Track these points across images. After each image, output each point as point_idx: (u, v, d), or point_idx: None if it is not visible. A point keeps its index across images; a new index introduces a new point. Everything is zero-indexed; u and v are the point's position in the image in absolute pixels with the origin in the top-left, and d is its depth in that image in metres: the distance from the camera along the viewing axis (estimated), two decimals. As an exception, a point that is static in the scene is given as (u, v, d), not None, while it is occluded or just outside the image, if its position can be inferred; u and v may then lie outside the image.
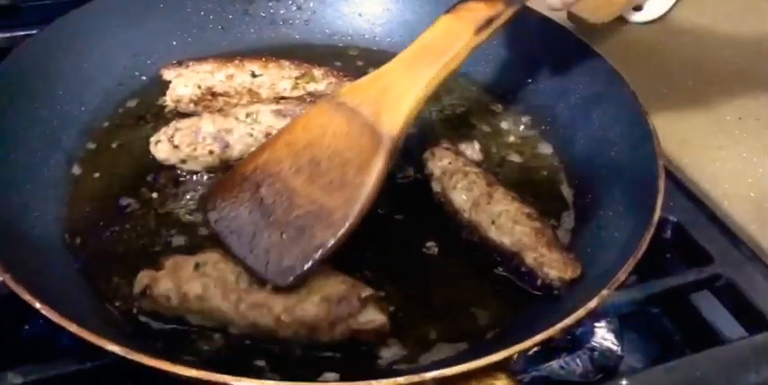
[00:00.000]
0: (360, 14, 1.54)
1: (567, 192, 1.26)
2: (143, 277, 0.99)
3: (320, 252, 0.95)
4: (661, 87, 1.67)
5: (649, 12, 1.86)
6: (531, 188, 1.25)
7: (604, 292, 0.93)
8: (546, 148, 1.34)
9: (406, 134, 1.04)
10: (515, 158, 1.32)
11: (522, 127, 1.38)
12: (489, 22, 1.06)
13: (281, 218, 0.99)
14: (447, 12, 1.08)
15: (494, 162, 1.31)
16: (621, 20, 1.84)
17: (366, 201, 0.97)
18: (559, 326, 0.89)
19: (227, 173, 1.10)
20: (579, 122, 1.32)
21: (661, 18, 1.88)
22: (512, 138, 1.36)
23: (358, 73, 1.40)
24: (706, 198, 1.36)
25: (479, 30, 1.05)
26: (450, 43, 1.05)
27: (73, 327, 0.83)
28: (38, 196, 1.12)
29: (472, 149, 1.29)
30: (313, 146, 1.03)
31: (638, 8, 1.85)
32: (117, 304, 1.02)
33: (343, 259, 1.02)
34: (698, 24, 1.88)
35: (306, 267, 0.95)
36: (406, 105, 1.02)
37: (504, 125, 1.38)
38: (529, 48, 1.43)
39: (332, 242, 0.96)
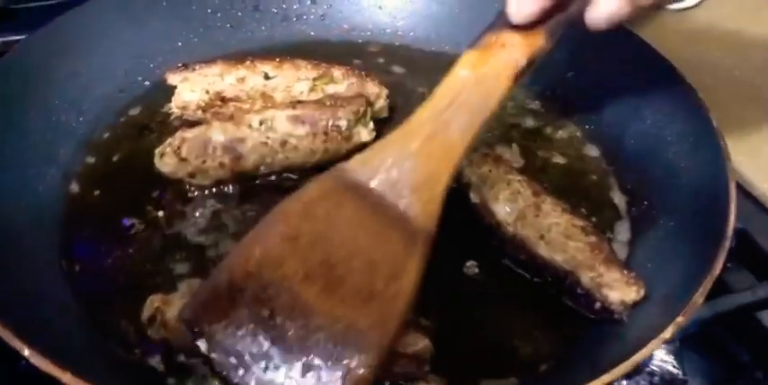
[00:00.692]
0: (380, 7, 1.42)
1: (618, 198, 1.14)
2: (153, 300, 0.89)
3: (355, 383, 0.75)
4: (705, 78, 1.53)
5: (687, -3, 1.73)
6: (578, 195, 1.13)
7: (679, 320, 0.81)
8: (592, 150, 1.21)
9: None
10: (559, 161, 1.19)
11: (563, 126, 1.25)
12: (530, 64, 0.83)
13: (298, 343, 0.76)
14: (472, 46, 0.84)
15: (535, 166, 1.18)
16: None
17: (404, 315, 0.78)
18: (632, 361, 0.77)
19: (207, 282, 0.82)
20: (628, 120, 1.19)
21: (700, 4, 1.74)
22: (553, 140, 1.23)
23: (380, 71, 1.30)
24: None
25: (518, 76, 0.82)
26: (485, 97, 0.82)
27: (67, 377, 0.72)
28: (31, 217, 1.00)
29: (510, 153, 1.17)
30: (323, 242, 0.80)
31: (675, -6, 1.71)
32: (121, 341, 0.90)
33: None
34: (740, 10, 1.74)
35: None
36: (440, 186, 0.81)
37: (544, 125, 1.26)
38: (566, 38, 1.29)
39: (369, 370, 0.75)
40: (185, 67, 1.16)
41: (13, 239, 0.95)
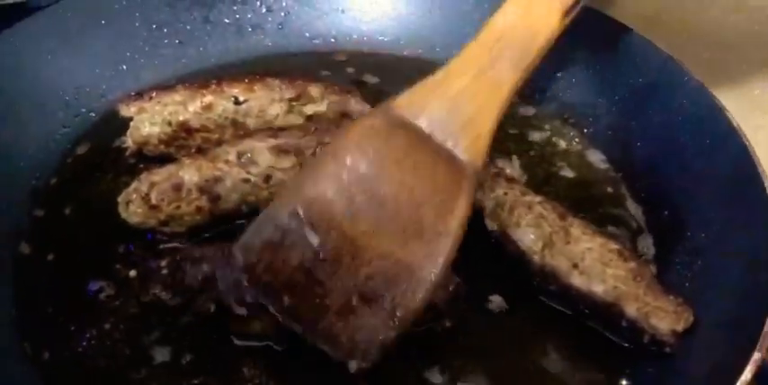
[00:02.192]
0: (342, 11, 1.29)
1: (634, 209, 1.05)
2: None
3: (405, 321, 0.77)
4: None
5: (645, -21, 1.65)
6: (588, 208, 1.03)
7: (756, 357, 0.72)
8: (595, 156, 1.12)
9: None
10: (564, 172, 1.10)
11: (560, 132, 1.16)
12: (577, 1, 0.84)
13: (347, 279, 0.78)
14: None
15: (537, 178, 1.08)
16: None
17: (452, 253, 0.79)
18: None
19: (255, 223, 0.83)
20: (632, 122, 1.11)
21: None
22: (552, 147, 1.13)
23: (352, 83, 1.18)
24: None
25: (567, 12, 0.84)
26: (534, 33, 0.83)
27: None
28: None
29: (511, 166, 1.06)
30: (370, 179, 0.81)
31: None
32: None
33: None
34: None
35: (389, 341, 0.77)
36: (488, 124, 0.81)
37: (539, 131, 1.16)
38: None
39: (418, 307, 0.77)
40: (140, 95, 1.01)
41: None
